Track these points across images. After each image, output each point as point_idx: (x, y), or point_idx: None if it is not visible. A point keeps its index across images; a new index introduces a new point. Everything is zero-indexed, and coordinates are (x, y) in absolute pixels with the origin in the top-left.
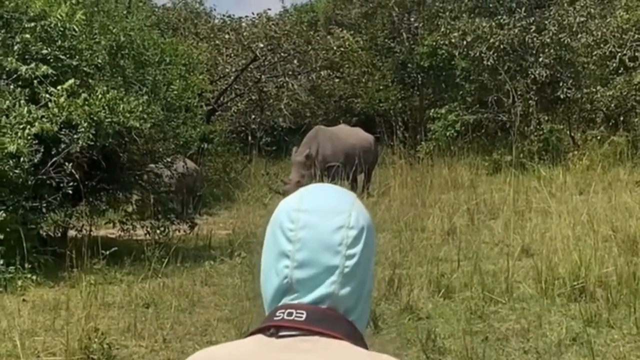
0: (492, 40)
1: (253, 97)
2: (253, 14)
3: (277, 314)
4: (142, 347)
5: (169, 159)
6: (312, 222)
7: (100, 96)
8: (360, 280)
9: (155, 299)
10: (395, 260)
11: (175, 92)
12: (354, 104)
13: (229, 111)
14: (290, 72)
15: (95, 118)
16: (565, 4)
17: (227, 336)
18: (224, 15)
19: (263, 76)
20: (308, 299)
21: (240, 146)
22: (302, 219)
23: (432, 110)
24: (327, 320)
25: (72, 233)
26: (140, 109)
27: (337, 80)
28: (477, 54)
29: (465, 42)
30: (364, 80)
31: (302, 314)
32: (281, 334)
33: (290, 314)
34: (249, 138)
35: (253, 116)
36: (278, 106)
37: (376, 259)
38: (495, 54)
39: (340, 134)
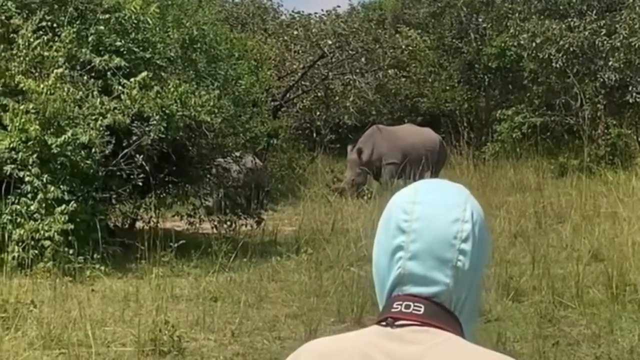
0: (561, 43)
1: (319, 94)
2: (322, 10)
3: (395, 305)
4: (211, 341)
5: (237, 154)
6: (427, 214)
7: (172, 89)
8: (472, 277)
9: (223, 293)
10: None
11: (244, 87)
12: (420, 104)
13: (295, 107)
14: (357, 70)
15: (166, 111)
16: (637, 8)
17: (296, 332)
18: (292, 12)
19: (330, 73)
20: (423, 291)
21: (304, 143)
22: (417, 210)
23: (499, 112)
24: (441, 315)
25: (139, 225)
26: (212, 103)
27: (403, 79)
28: (546, 56)
29: (534, 44)
30: (430, 80)
31: (420, 307)
32: (397, 324)
33: (407, 307)
34: (314, 135)
35: (318, 113)
36: (344, 104)
37: None
38: (564, 57)
39: (398, 133)
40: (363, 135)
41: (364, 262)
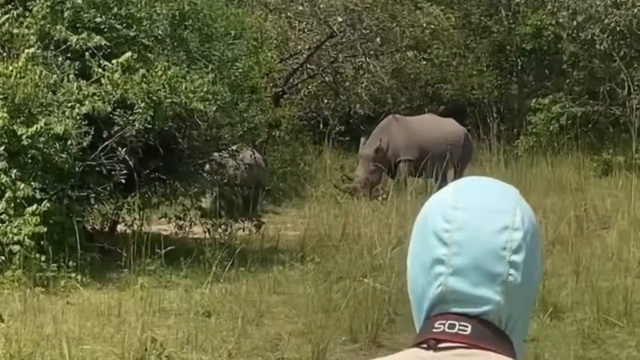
0: (606, 21)
1: (327, 79)
2: None
3: (437, 325)
4: None
5: (234, 148)
6: (472, 222)
7: (160, 73)
8: (524, 292)
9: (218, 307)
10: None
11: (241, 70)
12: (442, 91)
13: (299, 94)
14: (371, 52)
15: (153, 98)
16: None
17: (301, 353)
18: None
19: (340, 55)
20: (469, 310)
21: (310, 135)
22: (459, 218)
23: (534, 101)
24: (490, 335)
25: (121, 228)
26: (205, 88)
27: (424, 62)
28: (589, 36)
29: (575, 23)
30: (454, 63)
31: (466, 327)
32: (440, 346)
33: (452, 326)
34: (321, 126)
35: (326, 101)
36: (355, 90)
37: None
38: (610, 37)
39: (417, 125)
40: (377, 127)
41: (378, 273)
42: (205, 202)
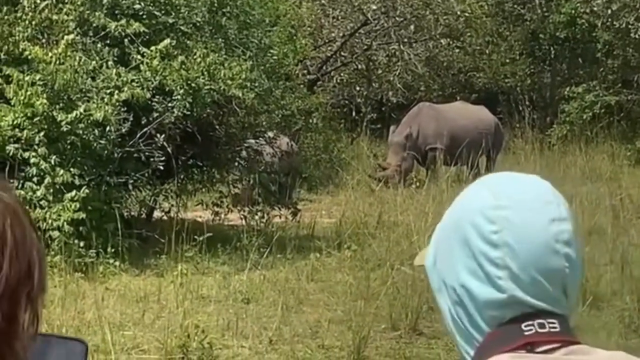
0: None
1: (360, 67)
2: None
3: (525, 327)
4: (245, 348)
5: (271, 134)
6: (520, 220)
7: (198, 59)
8: (577, 282)
9: (256, 294)
10: None
11: (275, 57)
12: (475, 79)
13: (331, 82)
14: (404, 40)
15: (192, 84)
16: None
17: (341, 340)
18: None
19: (373, 43)
20: (544, 306)
21: (341, 122)
22: (503, 216)
23: (567, 89)
24: (570, 328)
25: (157, 214)
26: (243, 75)
27: (457, 50)
28: (623, 25)
29: (609, 11)
30: (487, 51)
31: (554, 324)
32: (538, 350)
33: (542, 325)
34: (353, 113)
35: (359, 88)
36: (387, 78)
37: None
38: None
39: (448, 113)
40: (407, 115)
41: None
42: (239, 189)
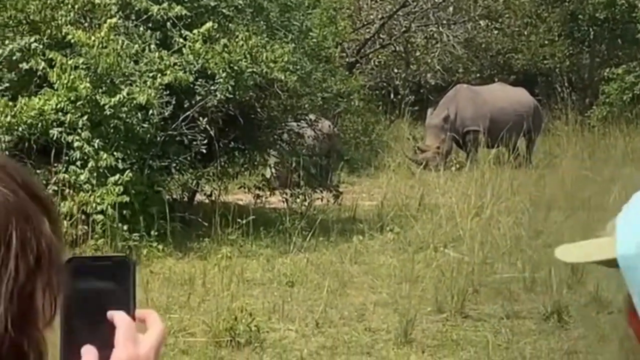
0: None
1: (398, 49)
2: None
3: None
4: (292, 331)
5: (312, 117)
6: None
7: (241, 42)
8: None
9: (300, 277)
10: None
11: (315, 40)
12: (513, 60)
13: (369, 64)
14: (443, 21)
15: (234, 67)
16: None
17: (387, 322)
18: None
19: (412, 25)
20: None
21: (379, 105)
22: None
23: (607, 70)
24: None
25: (199, 198)
26: (286, 58)
27: (495, 31)
28: None
29: None
30: (526, 33)
31: None
32: None
33: None
34: (391, 95)
35: (397, 70)
36: (426, 60)
37: (552, 241)
38: None
39: (485, 95)
40: (445, 97)
41: (459, 243)
42: (280, 172)
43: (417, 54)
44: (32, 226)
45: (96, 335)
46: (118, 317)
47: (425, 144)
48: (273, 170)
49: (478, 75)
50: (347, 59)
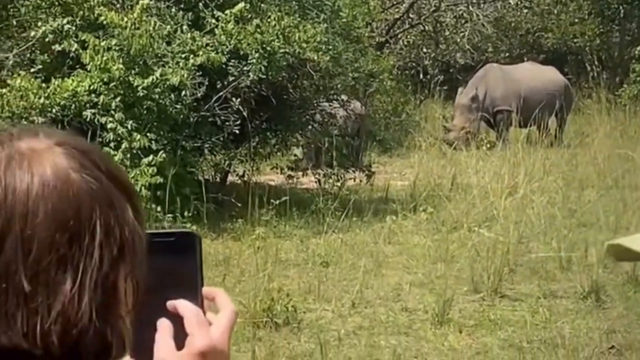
0: None
1: (427, 29)
2: None
3: None
4: (328, 312)
5: (344, 98)
6: None
7: (273, 23)
8: None
9: (335, 257)
10: (609, 222)
11: (345, 20)
12: (543, 39)
13: (398, 44)
14: (473, 1)
15: (267, 48)
16: None
17: (423, 302)
18: None
19: (442, 4)
20: None
21: (408, 84)
22: None
23: (637, 49)
24: None
25: (230, 178)
26: (318, 38)
27: (525, 10)
28: None
29: None
30: (556, 11)
31: None
32: None
33: None
34: (420, 75)
35: (426, 50)
36: (455, 39)
37: (586, 220)
38: None
39: (516, 74)
40: (474, 76)
41: (493, 223)
42: (312, 153)
43: (447, 33)
44: (116, 214)
45: (165, 313)
46: (182, 306)
47: (453, 124)
48: (305, 150)
49: (507, 54)
50: (376, 39)
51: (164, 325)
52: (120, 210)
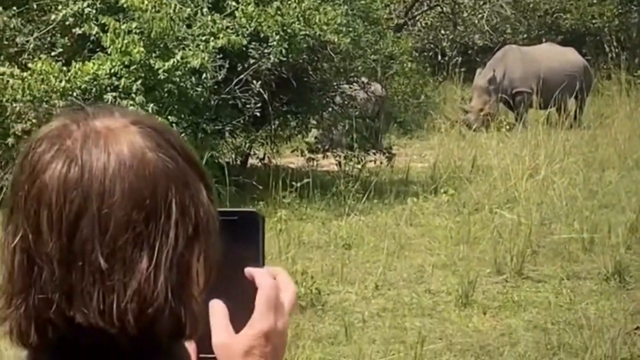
0: None
1: (445, 10)
2: None
3: None
4: (352, 294)
5: (364, 80)
6: None
7: (294, 5)
8: None
9: (357, 239)
10: (631, 203)
11: (364, 2)
12: (561, 20)
13: (416, 26)
14: None
15: (288, 30)
16: None
17: (446, 284)
18: None
19: None
20: None
21: (426, 66)
22: None
23: None
24: None
25: (251, 161)
26: (339, 20)
27: None
28: None
29: None
30: None
31: None
32: None
33: None
34: (439, 57)
35: (444, 32)
36: (473, 21)
37: (607, 201)
38: None
39: (535, 56)
40: (493, 57)
41: (515, 205)
42: (334, 135)
43: (465, 15)
44: (191, 194)
45: (228, 293)
46: (260, 276)
47: (470, 105)
48: (320, 133)
49: (526, 35)
50: (394, 21)
51: (217, 308)
52: (195, 190)
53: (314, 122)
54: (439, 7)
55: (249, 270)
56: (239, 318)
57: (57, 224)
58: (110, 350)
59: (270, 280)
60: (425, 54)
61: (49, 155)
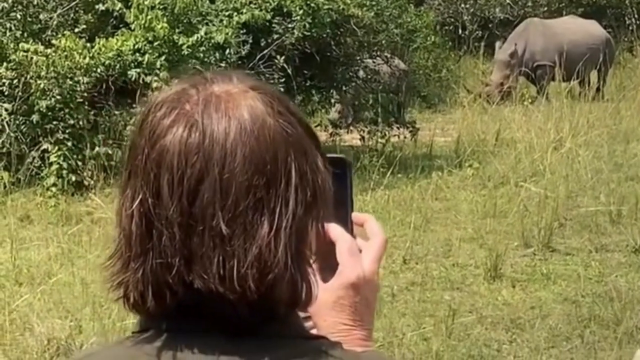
0: None
1: None
2: None
3: None
4: (380, 268)
5: (388, 54)
6: None
7: None
8: None
9: (383, 213)
10: None
11: None
12: None
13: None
14: None
15: (311, 5)
16: None
17: (474, 257)
18: None
19: None
20: None
21: (446, 40)
22: None
23: None
24: None
25: None
26: None
27: None
28: None
29: None
30: None
31: None
32: None
33: None
34: (459, 31)
35: (464, 5)
36: None
37: (633, 173)
38: None
39: (556, 28)
40: (514, 31)
41: (540, 178)
42: (333, 113)
43: None
44: (309, 160)
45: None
46: (335, 233)
47: (490, 79)
48: (341, 107)
49: (546, 8)
50: None
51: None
52: (313, 157)
53: (338, 96)
54: None
55: (325, 226)
56: (326, 271)
57: (178, 188)
58: (228, 318)
59: (344, 232)
60: (446, 27)
61: (169, 119)
